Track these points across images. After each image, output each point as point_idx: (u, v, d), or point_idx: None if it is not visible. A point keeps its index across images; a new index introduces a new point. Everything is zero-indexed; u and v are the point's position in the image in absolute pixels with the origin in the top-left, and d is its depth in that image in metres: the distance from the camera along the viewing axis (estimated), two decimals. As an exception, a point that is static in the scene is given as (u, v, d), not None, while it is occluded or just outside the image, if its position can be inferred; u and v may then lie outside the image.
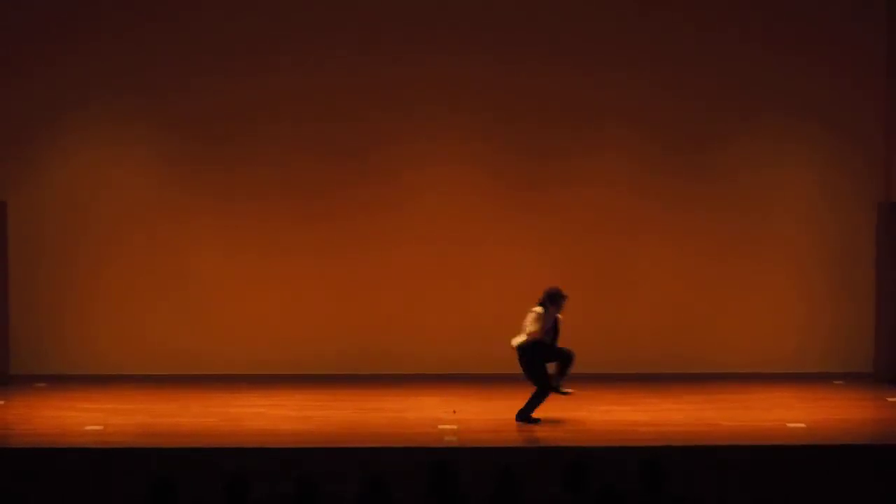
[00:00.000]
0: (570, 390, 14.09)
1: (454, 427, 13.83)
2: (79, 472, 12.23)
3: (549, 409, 15.02)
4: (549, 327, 14.05)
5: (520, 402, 15.42)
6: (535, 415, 14.02)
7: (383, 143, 17.08)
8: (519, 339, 14.00)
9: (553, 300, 14.08)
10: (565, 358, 14.01)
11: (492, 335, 16.96)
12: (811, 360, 17.25)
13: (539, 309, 14.05)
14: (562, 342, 13.80)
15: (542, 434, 13.53)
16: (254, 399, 15.41)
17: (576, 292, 17.13)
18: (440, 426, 13.86)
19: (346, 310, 16.62)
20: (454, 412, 14.66)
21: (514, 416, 14.35)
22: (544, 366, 14.08)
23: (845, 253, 17.38)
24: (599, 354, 17.02)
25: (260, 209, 17.05)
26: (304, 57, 17.01)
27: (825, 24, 17.25)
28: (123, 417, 14.41)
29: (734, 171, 17.34)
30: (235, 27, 16.95)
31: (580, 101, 17.14)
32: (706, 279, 17.30)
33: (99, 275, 17.00)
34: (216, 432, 13.63)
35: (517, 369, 16.85)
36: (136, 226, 17.01)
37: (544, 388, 14.00)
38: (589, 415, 14.63)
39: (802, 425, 14.03)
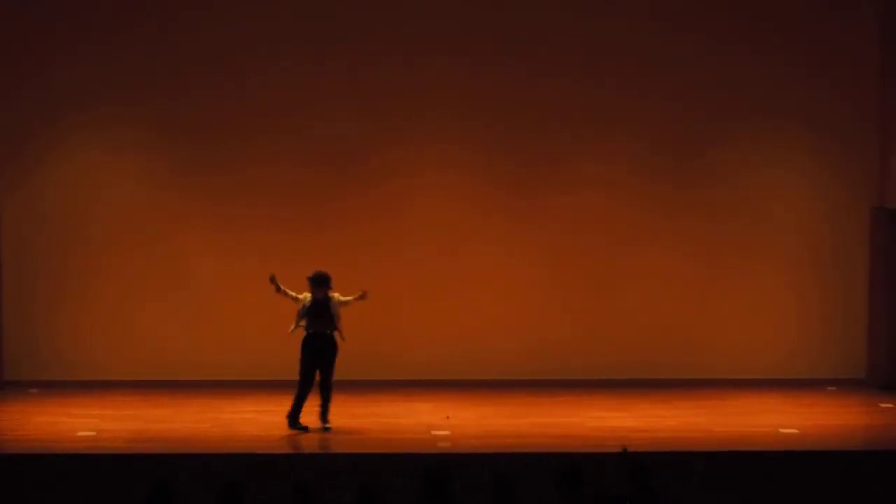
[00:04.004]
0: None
1: (447, 433, 13.84)
2: (72, 478, 12.23)
3: (542, 414, 15.05)
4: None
5: (513, 407, 15.47)
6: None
7: (379, 149, 17.07)
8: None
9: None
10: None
11: (485, 341, 17.03)
12: (804, 366, 17.24)
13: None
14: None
15: (536, 440, 13.55)
16: (247, 405, 15.41)
17: (569, 298, 17.23)
18: (434, 432, 13.88)
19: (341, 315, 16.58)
20: (448, 418, 14.67)
21: (508, 422, 14.39)
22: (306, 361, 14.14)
23: (838, 258, 17.38)
24: (592, 360, 17.04)
25: (253, 215, 17.03)
26: (300, 64, 16.99)
27: (819, 29, 17.26)
28: (116, 423, 14.41)
29: (727, 176, 17.33)
30: (231, 34, 16.92)
31: (574, 108, 17.13)
32: (699, 284, 17.30)
33: (93, 280, 16.97)
34: (209, 438, 13.64)
35: (511, 375, 16.97)
36: (129, 232, 16.98)
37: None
38: (582, 421, 14.65)
39: (795, 431, 14.06)
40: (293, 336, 14.09)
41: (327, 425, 14.02)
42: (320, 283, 14.07)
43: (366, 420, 14.64)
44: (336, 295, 14.10)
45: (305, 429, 13.98)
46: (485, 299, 17.07)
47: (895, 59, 16.91)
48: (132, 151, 17.06)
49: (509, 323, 17.10)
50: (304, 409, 14.09)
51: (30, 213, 16.95)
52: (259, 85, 16.94)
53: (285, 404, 14.14)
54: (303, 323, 14.07)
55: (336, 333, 14.08)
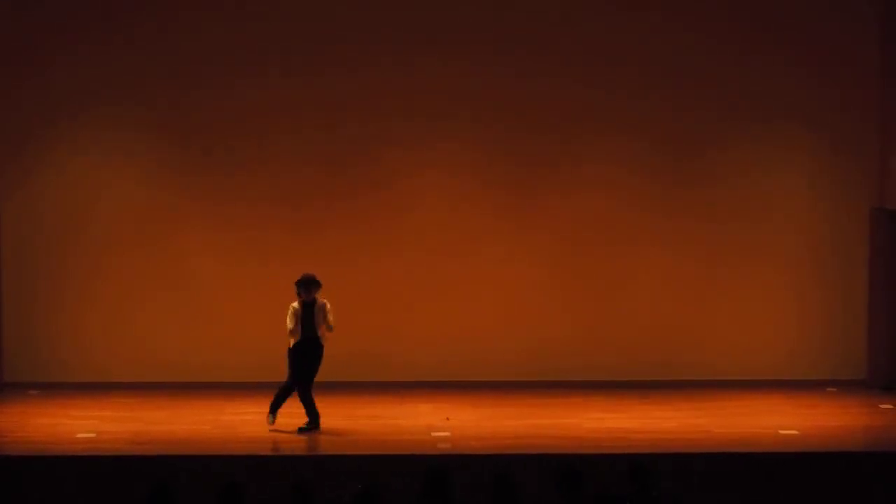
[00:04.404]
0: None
1: (447, 434, 13.84)
2: (72, 480, 12.23)
3: (542, 415, 15.04)
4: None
5: (513, 409, 15.46)
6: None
7: (379, 150, 17.05)
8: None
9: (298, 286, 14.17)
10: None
11: (485, 342, 17.02)
12: (804, 367, 17.22)
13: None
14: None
15: (536, 441, 13.54)
16: (247, 406, 15.38)
17: (569, 298, 17.22)
18: (433, 433, 13.87)
19: (340, 317, 16.53)
20: (447, 419, 14.67)
21: (508, 423, 14.39)
22: (293, 365, 14.14)
23: (838, 259, 17.37)
24: (591, 361, 17.03)
25: (253, 217, 17.01)
26: (300, 66, 16.97)
27: (818, 30, 17.25)
28: (116, 425, 14.41)
29: (727, 176, 17.31)
30: (231, 36, 16.90)
31: (574, 108, 17.11)
32: (698, 286, 17.29)
33: (92, 282, 16.96)
34: (209, 439, 13.64)
35: (511, 376, 16.96)
36: (129, 233, 16.97)
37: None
38: (582, 422, 14.65)
39: (795, 432, 14.06)
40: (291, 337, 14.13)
41: (273, 417, 14.08)
42: (310, 285, 14.06)
43: (365, 421, 14.64)
44: (326, 303, 14.08)
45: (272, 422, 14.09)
46: (485, 300, 17.06)
47: (895, 59, 16.91)
48: (132, 152, 17.05)
49: (509, 324, 17.09)
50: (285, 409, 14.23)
51: (30, 213, 16.95)
52: (259, 85, 16.92)
53: (284, 406, 14.14)
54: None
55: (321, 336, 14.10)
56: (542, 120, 17.11)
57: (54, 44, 16.84)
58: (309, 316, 14.04)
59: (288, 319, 14.05)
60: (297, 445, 13.63)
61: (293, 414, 14.11)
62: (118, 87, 16.87)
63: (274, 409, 14.11)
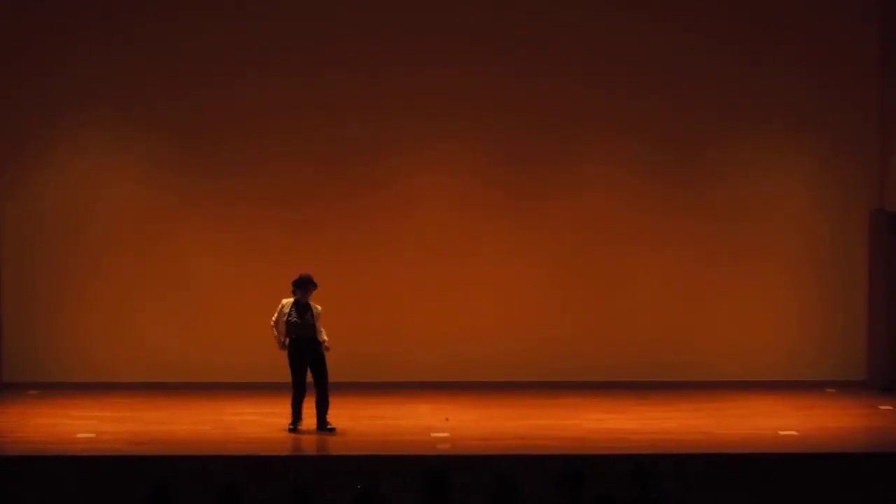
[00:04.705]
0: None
1: (447, 435, 13.84)
2: (71, 480, 12.23)
3: (542, 416, 15.04)
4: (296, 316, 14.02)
5: (513, 409, 15.46)
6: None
7: (378, 152, 17.06)
8: None
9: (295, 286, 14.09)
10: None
11: (485, 343, 17.03)
12: (804, 368, 17.22)
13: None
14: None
15: (536, 442, 13.55)
16: (247, 407, 15.39)
17: (569, 299, 17.22)
18: (433, 434, 13.87)
19: (340, 318, 16.49)
20: (447, 420, 14.67)
21: (508, 424, 14.39)
22: (293, 365, 14.10)
23: (838, 260, 17.36)
24: (591, 362, 17.03)
25: (253, 218, 17.01)
26: (300, 66, 16.98)
27: (819, 29, 17.24)
28: (116, 425, 14.41)
29: (727, 176, 17.32)
30: (230, 37, 16.90)
31: (574, 109, 17.11)
32: (698, 287, 17.29)
33: (92, 282, 16.96)
34: (209, 440, 13.64)
35: (511, 377, 16.97)
36: (129, 234, 16.98)
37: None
38: (582, 423, 14.65)
39: (795, 433, 14.06)
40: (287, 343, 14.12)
41: (329, 426, 13.99)
42: (307, 286, 14.03)
43: (365, 422, 14.64)
44: (319, 308, 14.05)
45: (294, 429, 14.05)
46: (485, 301, 17.06)
47: (895, 58, 16.90)
48: (132, 152, 17.06)
49: (509, 324, 17.09)
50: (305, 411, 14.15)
51: (30, 213, 16.95)
52: (259, 86, 16.93)
53: (286, 406, 14.15)
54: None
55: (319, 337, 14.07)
56: (542, 120, 17.11)
57: (54, 44, 16.84)
58: (305, 316, 14.00)
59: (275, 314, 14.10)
60: (297, 446, 13.64)
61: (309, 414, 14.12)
62: (118, 87, 16.88)
63: (321, 419, 14.08)
